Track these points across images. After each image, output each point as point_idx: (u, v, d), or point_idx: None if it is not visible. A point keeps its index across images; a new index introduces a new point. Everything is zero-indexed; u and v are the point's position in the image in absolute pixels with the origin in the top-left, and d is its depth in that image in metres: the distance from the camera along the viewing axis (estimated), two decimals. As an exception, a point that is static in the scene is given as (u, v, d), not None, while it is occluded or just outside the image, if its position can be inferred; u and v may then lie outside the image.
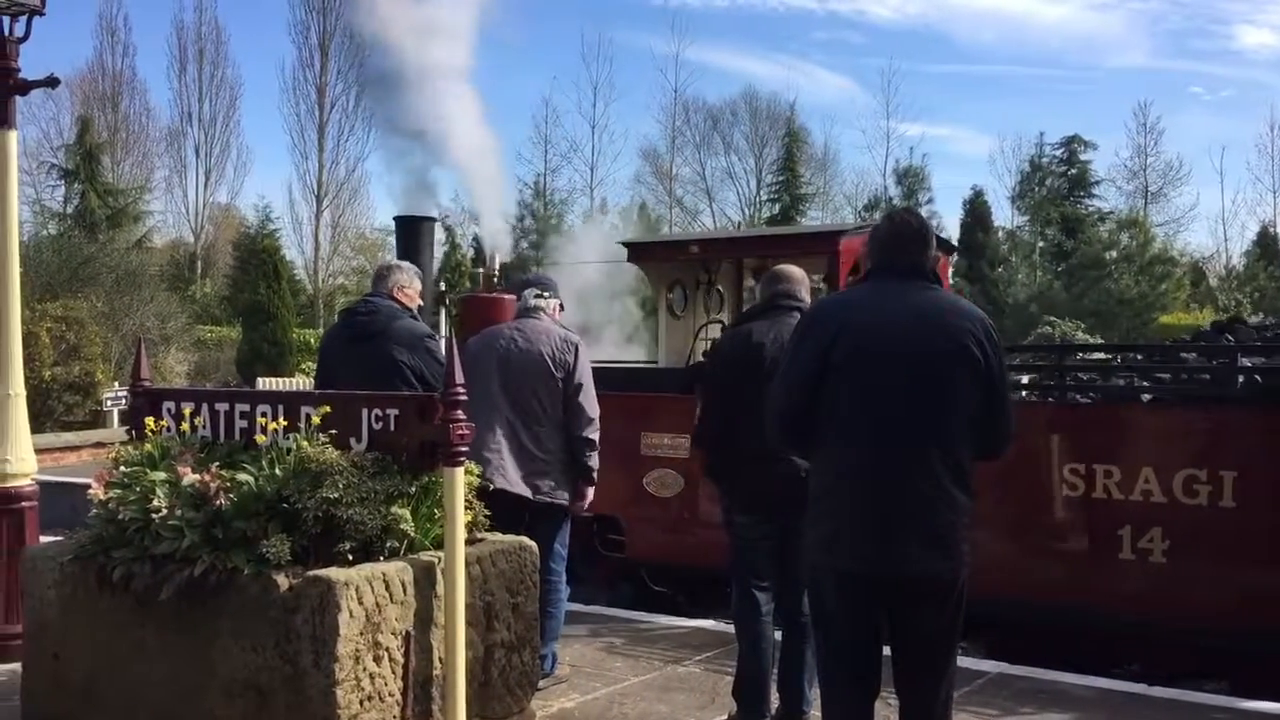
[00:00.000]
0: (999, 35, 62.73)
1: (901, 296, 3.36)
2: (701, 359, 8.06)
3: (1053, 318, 26.09)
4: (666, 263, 8.55)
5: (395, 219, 9.05)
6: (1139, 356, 7.51)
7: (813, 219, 42.88)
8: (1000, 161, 53.18)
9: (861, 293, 3.52)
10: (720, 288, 8.73)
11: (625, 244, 8.76)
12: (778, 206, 41.92)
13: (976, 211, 37.45)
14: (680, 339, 8.49)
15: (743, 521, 4.74)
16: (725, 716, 4.87)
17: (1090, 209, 38.77)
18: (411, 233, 8.52)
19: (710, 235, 9.91)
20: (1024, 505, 6.26)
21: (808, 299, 4.86)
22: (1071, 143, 38.79)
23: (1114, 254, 34.56)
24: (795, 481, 4.46)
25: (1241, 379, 6.12)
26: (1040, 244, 38.84)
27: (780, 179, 42.86)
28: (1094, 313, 30.63)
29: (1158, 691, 5.39)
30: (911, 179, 40.14)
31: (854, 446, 3.30)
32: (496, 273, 8.57)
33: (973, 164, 75.32)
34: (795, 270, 4.98)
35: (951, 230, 38.15)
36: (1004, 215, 40.57)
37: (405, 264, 5.67)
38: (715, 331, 8.57)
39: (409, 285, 5.53)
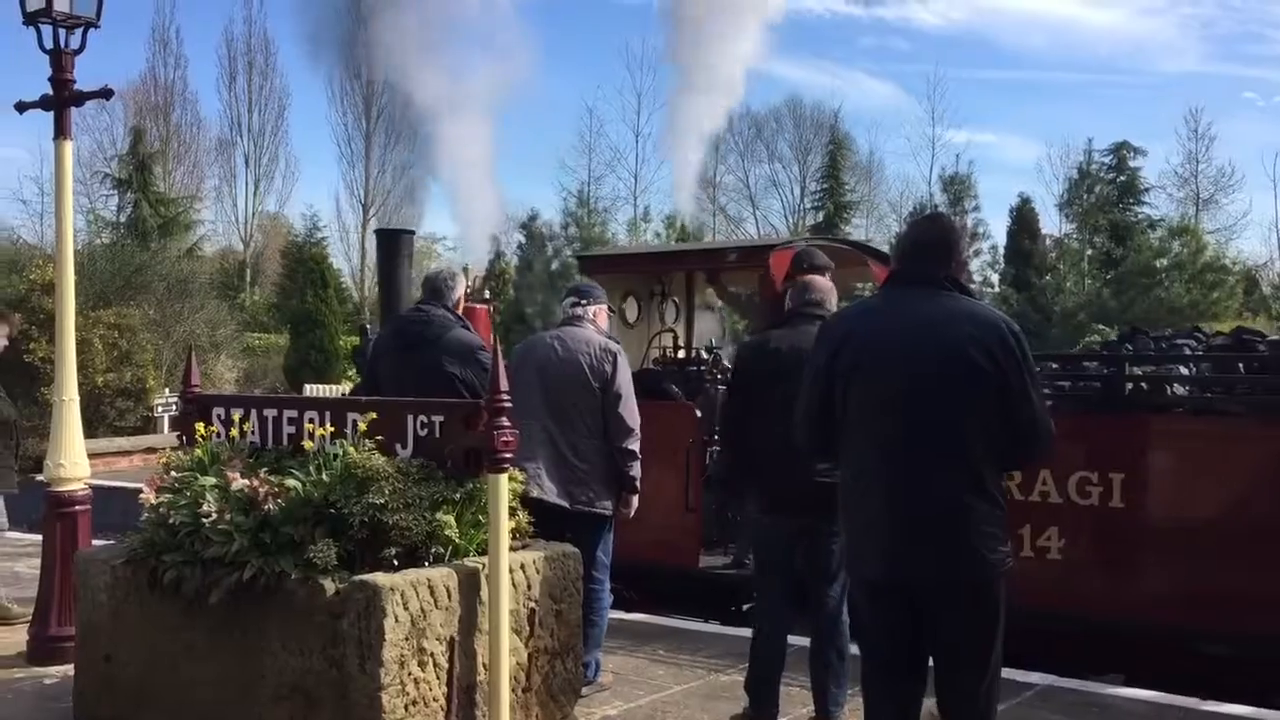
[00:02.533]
0: (1047, 40, 62.18)
1: (912, 304, 3.36)
2: (652, 365, 8.67)
3: (1102, 326, 25.75)
4: (617, 274, 8.96)
5: (376, 232, 9.32)
6: (1054, 365, 7.72)
7: (856, 227, 42.68)
8: (1048, 168, 52.59)
9: (875, 301, 3.59)
10: (675, 299, 9.16)
11: (578, 256, 9.19)
12: (821, 215, 41.75)
13: (1024, 219, 37.07)
14: (634, 346, 8.74)
15: (763, 522, 4.87)
16: (740, 710, 4.93)
17: (1140, 216, 38.28)
18: (391, 248, 8.62)
19: (654, 249, 10.69)
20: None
21: (832, 306, 4.98)
22: (1121, 149, 38.33)
23: (1164, 262, 34.06)
24: (814, 484, 4.54)
25: (1130, 387, 6.48)
26: (1089, 252, 38.39)
27: (824, 187, 42.70)
28: (1144, 321, 30.18)
29: (1210, 706, 5.30)
30: (958, 186, 39.82)
31: (866, 457, 3.33)
32: (473, 285, 8.91)
33: (1020, 171, 74.64)
34: (822, 281, 5.12)
35: (998, 238, 37.85)
36: (1052, 223, 40.20)
37: (453, 271, 5.71)
38: (668, 340, 9.12)
39: (459, 292, 5.58)
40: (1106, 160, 38.91)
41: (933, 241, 3.43)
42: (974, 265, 36.86)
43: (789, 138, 45.34)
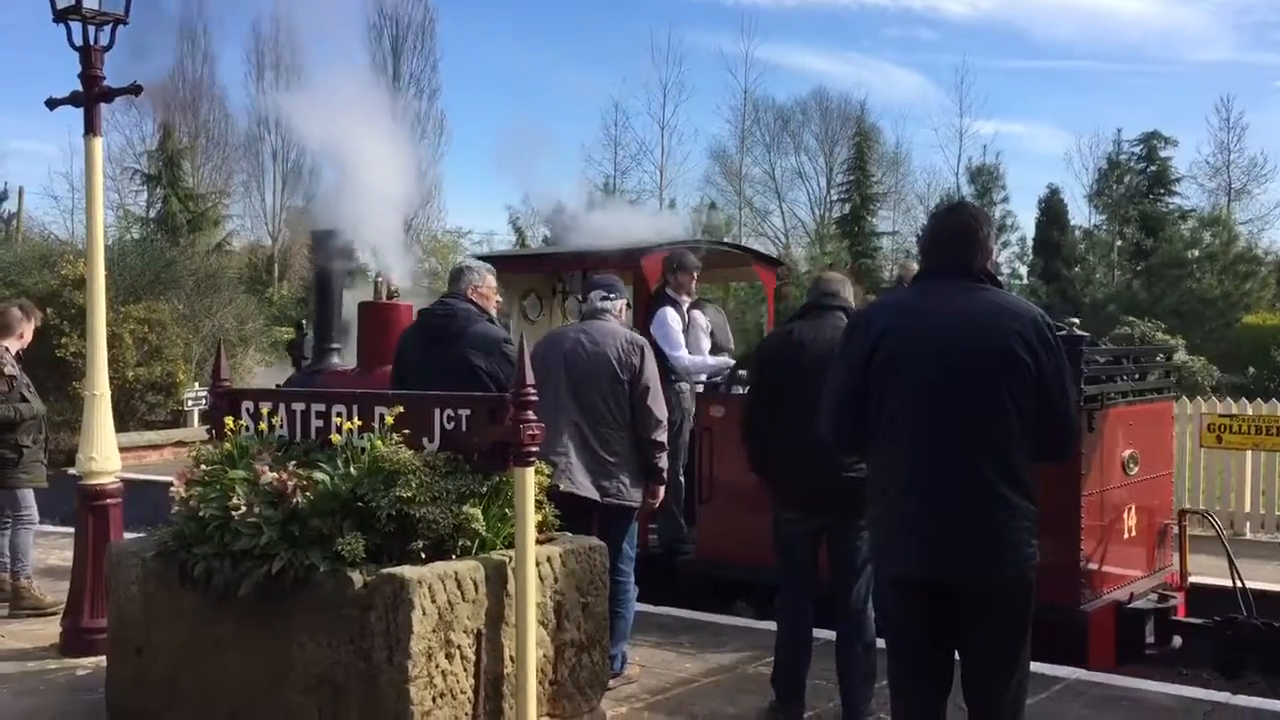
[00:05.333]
0: (1076, 29, 61.49)
1: (947, 298, 3.32)
2: None
3: (1132, 318, 25.50)
4: (520, 274, 9.35)
5: (311, 233, 9.52)
6: None
7: (884, 219, 42.49)
8: (1077, 159, 51.89)
9: (909, 294, 3.50)
10: (578, 296, 9.05)
11: (479, 258, 9.64)
12: (848, 206, 41.55)
13: (1052, 210, 36.75)
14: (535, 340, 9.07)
15: (786, 517, 4.87)
16: (766, 704, 4.95)
17: (1171, 207, 37.85)
18: (322, 246, 8.96)
19: (553, 250, 11.26)
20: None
21: (850, 300, 5.00)
22: (1151, 139, 37.90)
23: (1196, 253, 33.70)
24: (837, 480, 4.58)
25: None
26: (1118, 243, 38.02)
27: (850, 178, 42.45)
28: (1175, 313, 29.87)
29: (1241, 700, 5.25)
30: (985, 177, 39.52)
31: (899, 452, 3.28)
32: (393, 287, 9.03)
33: (1048, 162, 73.96)
34: (835, 274, 5.23)
35: (1027, 229, 37.55)
36: (1081, 214, 39.80)
37: (477, 263, 5.72)
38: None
39: (482, 284, 5.59)
40: (1136, 150, 38.49)
41: (957, 230, 3.39)
42: (1002, 257, 36.58)
43: (815, 130, 45.10)
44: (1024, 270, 37.07)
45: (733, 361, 8.02)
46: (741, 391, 6.57)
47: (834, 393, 3.46)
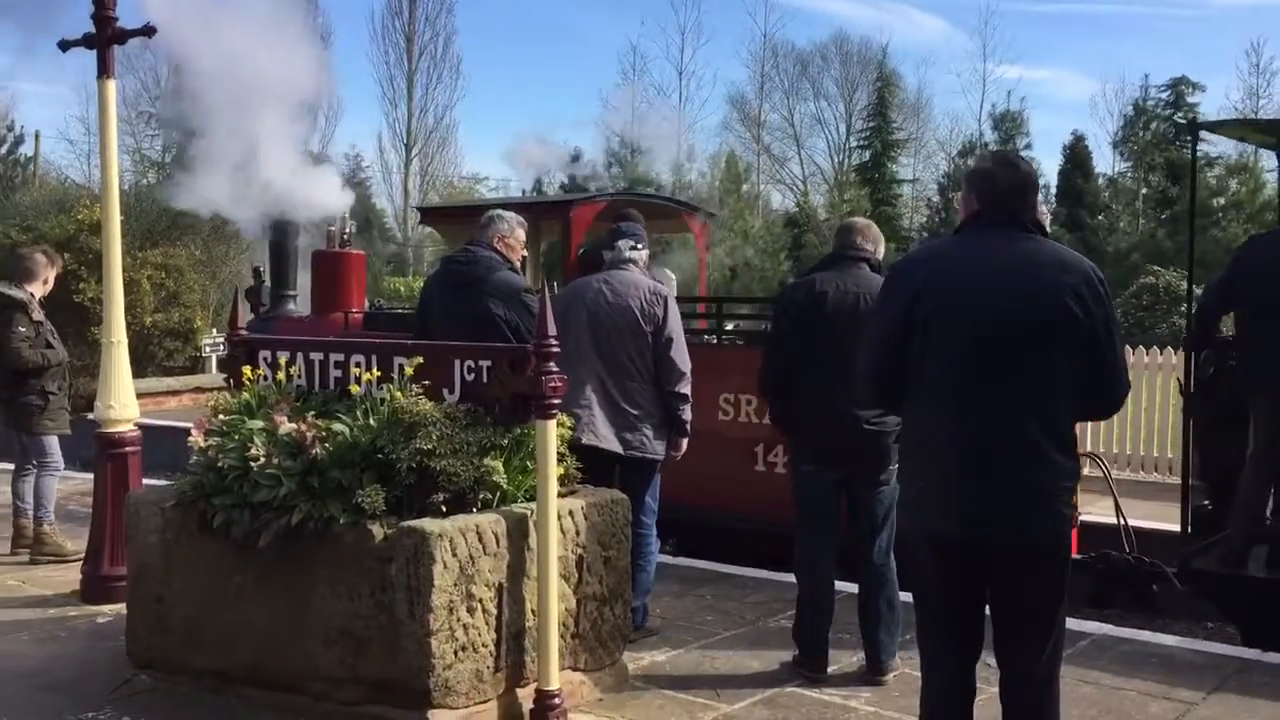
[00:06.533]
0: (1103, -28, 60.33)
1: (995, 248, 3.16)
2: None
3: (1156, 267, 25.21)
4: (461, 224, 9.25)
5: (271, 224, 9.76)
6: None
7: (904, 165, 42.06)
8: (1102, 105, 51.51)
9: (952, 245, 3.32)
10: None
11: (419, 209, 9.72)
12: (868, 153, 41.11)
13: (1077, 157, 36.28)
14: None
15: (805, 470, 4.81)
16: (790, 658, 4.91)
17: (1198, 154, 37.33)
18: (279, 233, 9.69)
19: (491, 201, 11.92)
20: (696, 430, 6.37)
21: (874, 249, 4.87)
22: (1178, 85, 37.27)
23: (1222, 201, 33.25)
24: (858, 431, 4.52)
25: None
26: (1143, 191, 37.55)
27: (871, 125, 41.96)
28: (1200, 261, 29.54)
29: (1271, 658, 5.19)
30: (1009, 123, 38.97)
31: (942, 407, 3.13)
32: (347, 233, 9.57)
33: (1073, 108, 73.07)
34: (861, 221, 5.06)
35: (1050, 176, 37.08)
36: (1105, 161, 39.35)
37: (508, 213, 5.59)
38: None
39: (510, 235, 5.48)
40: (1163, 96, 37.88)
41: (1011, 180, 3.25)
42: (1024, 205, 36.17)
43: (835, 75, 44.61)
44: (1047, 218, 36.66)
45: None
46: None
47: (874, 347, 3.31)
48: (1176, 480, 6.48)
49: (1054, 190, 36.98)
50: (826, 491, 4.78)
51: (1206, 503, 6.39)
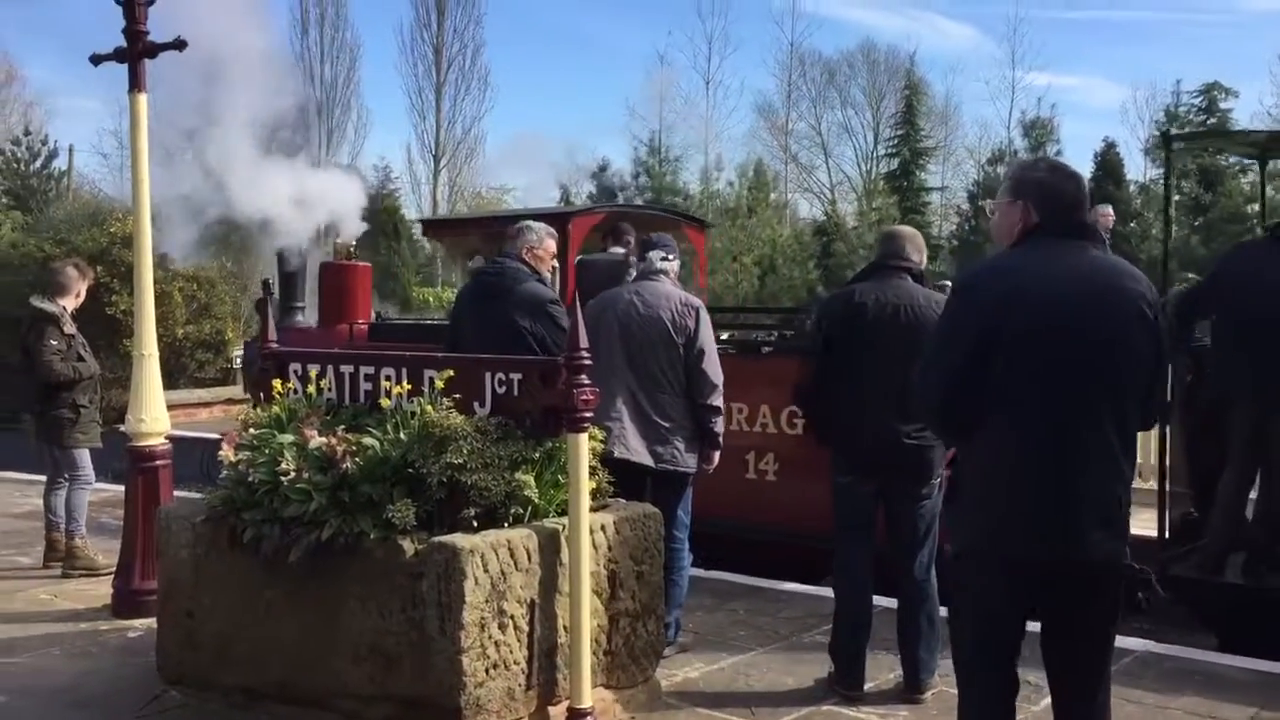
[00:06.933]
0: (1133, -22, 59.86)
1: (1070, 261, 3.05)
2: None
3: (1190, 274, 24.90)
4: (464, 235, 9.81)
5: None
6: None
7: (932, 173, 41.86)
8: (1133, 111, 50.77)
9: (1023, 259, 3.14)
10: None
11: (420, 221, 10.09)
12: (896, 161, 40.91)
13: (1108, 164, 35.94)
14: None
15: (844, 481, 4.73)
16: (825, 674, 4.82)
17: (1231, 160, 36.91)
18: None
19: (494, 213, 12.88)
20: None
21: (919, 259, 4.78)
22: (1210, 90, 36.92)
23: (1255, 206, 32.83)
24: (899, 444, 4.47)
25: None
26: (1176, 197, 37.13)
27: (899, 133, 41.78)
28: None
29: (1319, 676, 5.06)
30: (1039, 130, 38.71)
31: (1027, 425, 2.99)
32: (353, 247, 10.01)
33: (1103, 115, 72.40)
34: (907, 230, 4.99)
35: (1080, 183, 36.70)
36: (1137, 168, 38.97)
37: (537, 224, 5.56)
38: None
39: (539, 245, 5.44)
40: (1196, 102, 37.53)
41: (1081, 195, 3.13)
42: (1055, 212, 35.89)
43: (862, 83, 44.47)
44: (1111, 220, 36.35)
45: None
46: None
47: (945, 376, 3.12)
48: (1154, 486, 6.40)
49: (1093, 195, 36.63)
50: (864, 503, 4.70)
51: (1193, 510, 6.38)
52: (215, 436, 6.20)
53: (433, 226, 11.97)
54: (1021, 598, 3.09)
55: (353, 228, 10.20)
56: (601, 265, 5.49)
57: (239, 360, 18.10)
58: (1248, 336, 5.77)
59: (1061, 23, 57.79)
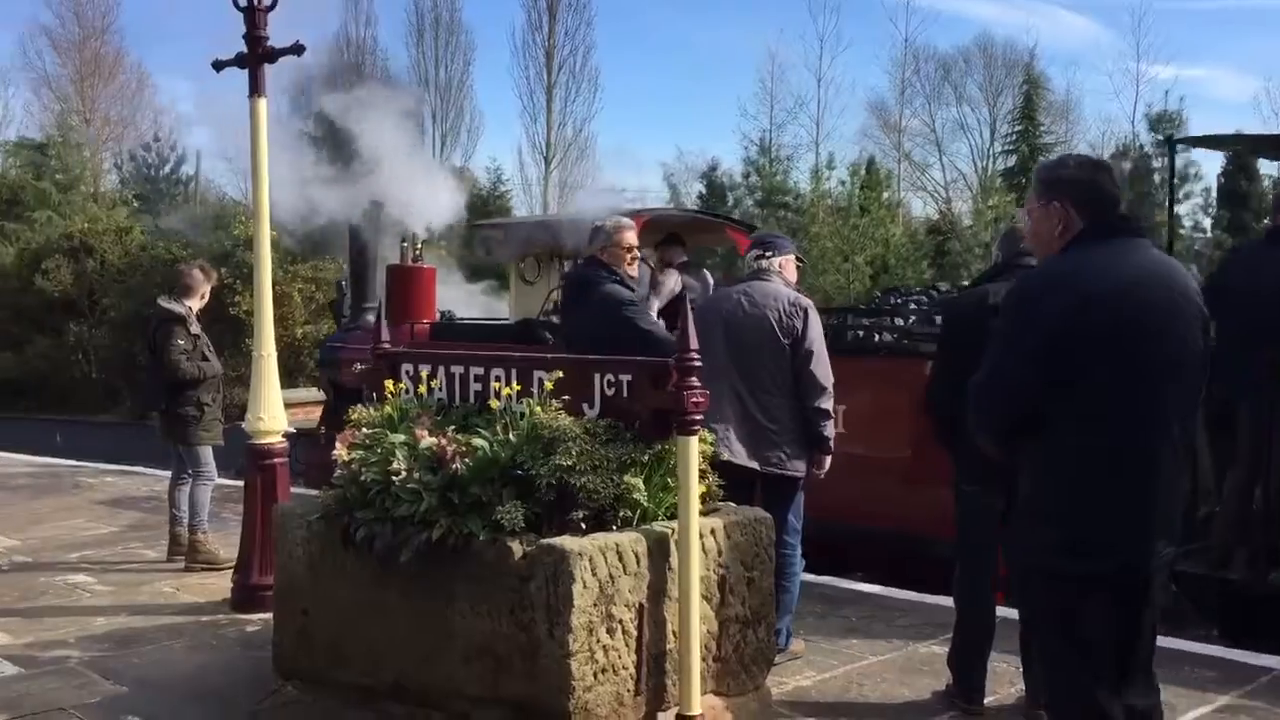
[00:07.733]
0: (1265, -36, 57.37)
1: (1131, 259, 2.91)
2: (540, 317, 9.10)
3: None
4: (499, 239, 10.19)
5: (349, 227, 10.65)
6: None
7: (1053, 170, 40.60)
8: (1266, 103, 48.67)
9: (1080, 261, 2.96)
10: (574, 259, 9.71)
11: (473, 225, 10.57)
12: (1014, 158, 39.86)
13: (1240, 158, 34.45)
14: (534, 301, 9.85)
15: (969, 490, 4.55)
16: (942, 686, 4.69)
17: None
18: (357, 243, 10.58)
19: (545, 218, 13.22)
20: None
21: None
22: (1352, 79, 35.12)
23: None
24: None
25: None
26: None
27: (1017, 129, 40.70)
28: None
29: None
30: (1166, 124, 37.29)
31: (1109, 434, 2.84)
32: (419, 249, 10.35)
33: (1233, 107, 69.29)
34: None
35: (1209, 179, 35.34)
36: (1271, 163, 37.27)
37: (609, 220, 5.43)
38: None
39: (609, 244, 5.31)
40: (1334, 92, 35.75)
41: (1118, 190, 3.06)
42: (1183, 209, 34.51)
43: (978, 79, 43.46)
44: (1208, 223, 34.92)
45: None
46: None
47: (1008, 383, 2.97)
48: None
49: (1215, 193, 35.21)
50: (989, 514, 4.51)
51: (1203, 509, 6.40)
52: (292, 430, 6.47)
53: (480, 229, 12.70)
54: (1112, 610, 2.95)
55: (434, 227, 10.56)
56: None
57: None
58: (1249, 338, 5.77)
59: (1187, 13, 55.72)
